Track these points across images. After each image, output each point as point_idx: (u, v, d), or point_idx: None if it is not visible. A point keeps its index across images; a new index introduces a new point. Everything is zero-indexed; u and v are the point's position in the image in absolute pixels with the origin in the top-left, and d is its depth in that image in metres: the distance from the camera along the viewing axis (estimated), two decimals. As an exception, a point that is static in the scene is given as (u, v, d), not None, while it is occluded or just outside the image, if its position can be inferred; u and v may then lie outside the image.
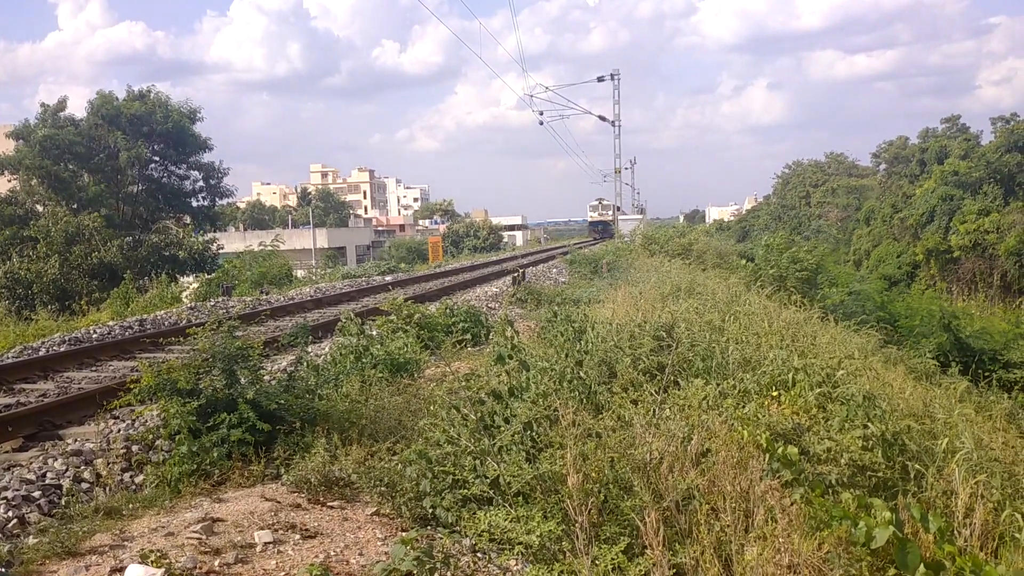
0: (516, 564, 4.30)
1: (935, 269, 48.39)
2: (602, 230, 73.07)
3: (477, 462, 4.81)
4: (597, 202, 79.50)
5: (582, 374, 6.23)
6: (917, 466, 5.37)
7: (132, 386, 6.19)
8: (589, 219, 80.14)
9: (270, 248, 27.06)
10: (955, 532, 4.56)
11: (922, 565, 3.73)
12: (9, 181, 34.83)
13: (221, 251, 36.45)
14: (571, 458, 4.22)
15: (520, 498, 4.58)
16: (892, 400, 6.65)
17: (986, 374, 16.64)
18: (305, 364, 7.20)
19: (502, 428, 5.07)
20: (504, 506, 4.55)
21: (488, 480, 4.68)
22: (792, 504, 3.82)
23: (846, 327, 13.09)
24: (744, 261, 26.19)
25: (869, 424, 5.44)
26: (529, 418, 5.06)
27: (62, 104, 35.36)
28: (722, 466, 4.30)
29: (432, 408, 5.73)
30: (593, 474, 4.35)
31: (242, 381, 6.11)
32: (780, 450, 4.34)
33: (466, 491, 4.67)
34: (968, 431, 6.30)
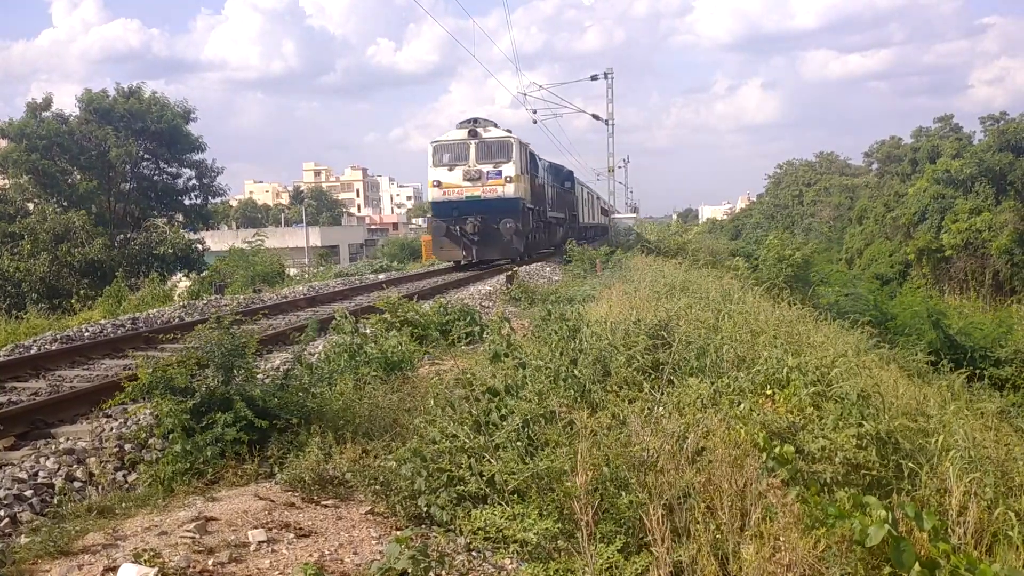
0: (511, 563, 4.30)
1: (927, 268, 48.60)
2: (481, 233, 23.47)
3: (473, 460, 4.80)
4: (466, 136, 24.04)
5: (576, 372, 6.23)
6: (911, 464, 5.38)
7: (126, 384, 6.15)
8: (434, 196, 24.60)
9: (254, 245, 26.89)
10: (949, 530, 4.57)
11: (917, 563, 3.74)
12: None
13: (207, 250, 36.34)
14: (581, 456, 4.21)
15: (516, 496, 4.57)
16: (886, 398, 6.67)
17: (977, 372, 16.74)
18: (300, 362, 7.18)
19: (499, 426, 5.06)
20: (500, 504, 4.55)
21: (484, 478, 4.67)
22: (793, 503, 3.82)
23: (840, 326, 13.14)
24: (738, 260, 26.27)
25: (863, 422, 5.45)
26: (526, 416, 5.05)
27: (47, 101, 35.20)
28: (718, 464, 4.30)
29: (428, 406, 5.72)
30: (590, 472, 4.35)
31: (237, 379, 6.09)
32: (777, 449, 4.35)
33: (462, 488, 4.66)
34: (962, 429, 6.33)
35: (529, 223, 25.50)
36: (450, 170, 23.96)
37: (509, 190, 23.58)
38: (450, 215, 23.76)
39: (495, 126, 24.77)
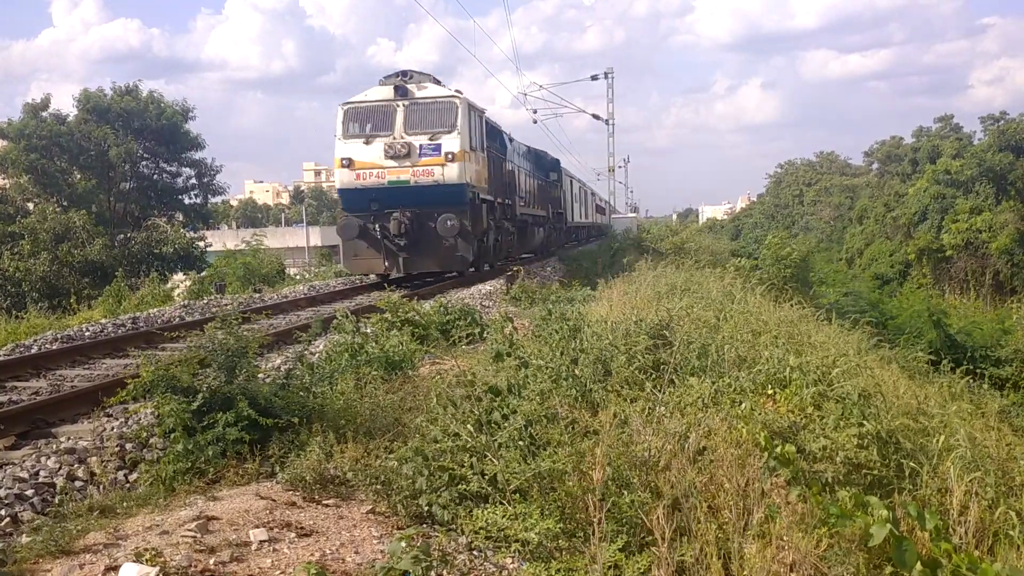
0: (512, 563, 4.30)
1: (927, 268, 48.59)
2: (411, 235, 17.06)
3: (474, 459, 4.80)
4: (392, 95, 17.16)
5: (577, 372, 6.23)
6: (912, 464, 5.39)
7: (128, 381, 6.15)
8: (343, 180, 17.38)
9: (252, 245, 26.78)
10: (950, 530, 4.58)
11: (919, 563, 3.74)
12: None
13: (210, 248, 36.32)
14: (600, 453, 4.20)
15: (517, 495, 4.57)
16: (887, 398, 6.67)
17: (977, 371, 16.77)
18: (302, 362, 7.19)
19: (501, 425, 5.06)
20: (502, 503, 4.54)
21: (486, 477, 4.67)
22: (796, 502, 3.83)
23: (840, 326, 13.15)
24: (740, 259, 26.25)
25: (864, 422, 5.46)
26: (529, 416, 5.05)
27: (45, 102, 35.26)
28: (720, 463, 4.30)
29: (430, 405, 5.71)
30: (600, 471, 4.35)
31: (240, 378, 6.08)
32: (779, 448, 4.35)
33: (463, 487, 4.66)
34: (963, 429, 6.34)
35: (483, 221, 18.42)
36: (367, 143, 17.19)
37: (451, 172, 16.81)
38: (366, 208, 17.29)
39: (435, 82, 17.94)
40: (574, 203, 37.15)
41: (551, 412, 5.16)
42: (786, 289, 18.66)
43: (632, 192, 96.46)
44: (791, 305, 12.98)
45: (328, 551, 4.28)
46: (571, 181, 36.59)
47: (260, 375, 6.62)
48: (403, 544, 3.82)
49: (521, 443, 4.86)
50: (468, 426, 5.05)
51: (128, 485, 5.74)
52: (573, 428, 4.98)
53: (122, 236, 34.19)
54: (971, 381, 11.15)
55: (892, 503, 4.41)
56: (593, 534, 3.97)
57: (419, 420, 5.51)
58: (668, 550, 3.78)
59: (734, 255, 33.57)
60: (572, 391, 5.84)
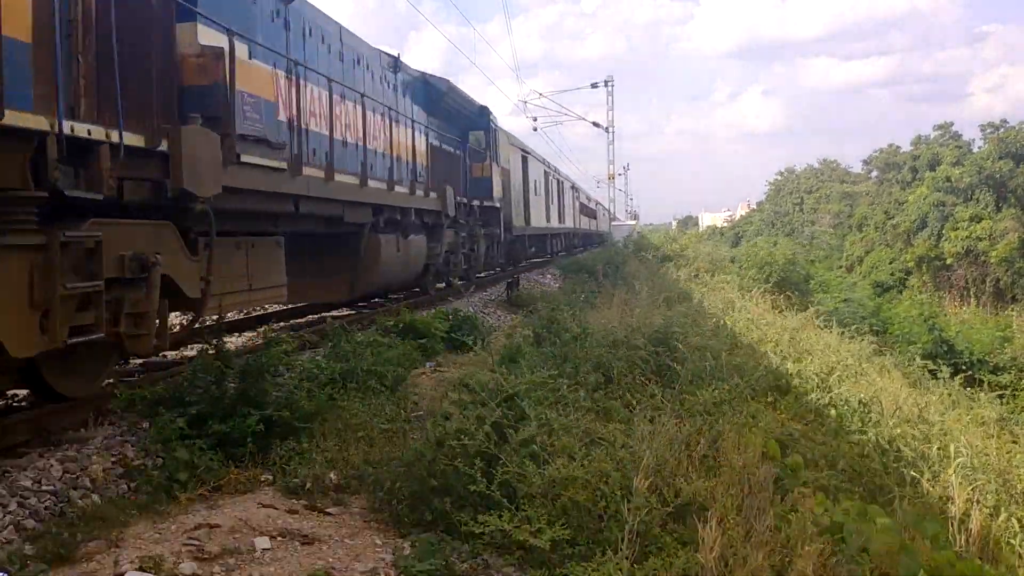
0: (515, 572, 4.29)
1: (927, 276, 48.60)
2: None
3: (482, 464, 4.79)
4: None
5: (579, 379, 6.23)
6: (913, 472, 5.40)
7: (123, 393, 6.14)
8: None
9: None
10: (952, 537, 4.58)
11: (921, 571, 3.75)
12: None
13: None
14: (597, 461, 4.19)
15: (524, 500, 4.56)
16: (887, 405, 6.68)
17: (975, 378, 16.78)
18: (305, 369, 7.18)
19: (511, 432, 5.05)
20: (508, 509, 4.53)
21: (493, 482, 4.66)
22: (804, 511, 3.84)
23: (840, 333, 13.16)
24: (736, 267, 26.32)
25: (865, 430, 5.47)
26: (540, 423, 5.04)
27: None
28: (726, 470, 4.31)
29: (437, 411, 5.70)
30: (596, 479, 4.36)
31: (244, 388, 6.07)
32: (788, 460, 4.36)
33: (471, 488, 4.64)
34: (963, 437, 6.35)
35: None
36: None
37: None
38: None
39: None
40: (530, 195, 22.70)
41: (559, 419, 5.16)
42: (789, 295, 18.69)
43: (632, 199, 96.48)
44: (787, 312, 13.02)
45: (330, 558, 4.28)
46: (524, 158, 22.42)
47: (264, 384, 6.61)
48: (406, 551, 3.83)
49: (526, 450, 4.85)
50: (478, 432, 5.02)
51: (130, 493, 5.73)
52: (575, 434, 4.98)
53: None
54: (969, 387, 11.17)
55: (894, 511, 4.42)
56: (596, 543, 3.97)
57: (430, 424, 5.49)
58: (676, 558, 3.78)
59: (733, 261, 33.60)
60: (577, 398, 5.83)
